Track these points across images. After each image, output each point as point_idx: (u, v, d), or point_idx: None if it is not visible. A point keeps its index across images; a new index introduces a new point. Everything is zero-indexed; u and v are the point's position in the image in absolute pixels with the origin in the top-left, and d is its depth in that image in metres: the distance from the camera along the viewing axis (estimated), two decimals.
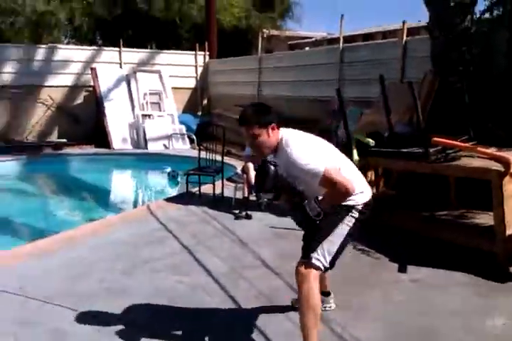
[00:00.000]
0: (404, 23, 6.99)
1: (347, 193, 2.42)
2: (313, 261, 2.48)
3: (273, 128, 2.47)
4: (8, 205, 7.05)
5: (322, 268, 2.51)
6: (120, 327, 2.89)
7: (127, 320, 3.00)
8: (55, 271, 3.78)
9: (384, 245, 4.30)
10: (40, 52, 11.11)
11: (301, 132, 2.61)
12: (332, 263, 2.56)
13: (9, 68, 10.69)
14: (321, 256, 2.49)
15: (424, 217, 4.58)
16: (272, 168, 2.44)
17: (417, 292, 3.45)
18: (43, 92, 11.06)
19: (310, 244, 2.55)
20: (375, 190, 4.94)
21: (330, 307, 3.09)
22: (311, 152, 2.43)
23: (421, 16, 14.42)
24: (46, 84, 11.09)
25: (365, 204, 2.58)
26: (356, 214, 2.55)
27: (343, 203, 2.51)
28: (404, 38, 6.91)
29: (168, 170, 8.30)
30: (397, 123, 4.97)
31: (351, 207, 2.54)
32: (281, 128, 2.54)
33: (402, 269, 3.83)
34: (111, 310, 3.09)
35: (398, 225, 4.55)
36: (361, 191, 2.56)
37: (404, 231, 4.47)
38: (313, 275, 2.48)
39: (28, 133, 11.02)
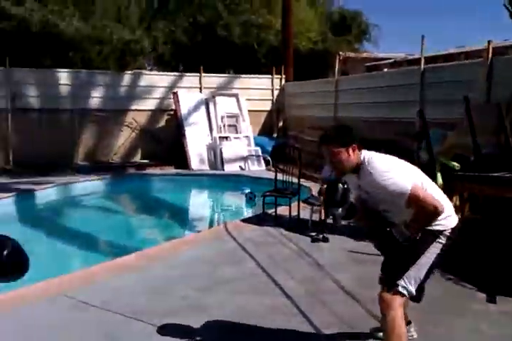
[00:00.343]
0: (489, 42, 6.74)
1: (436, 213, 2.36)
2: (400, 289, 2.42)
3: (353, 149, 2.48)
4: (93, 222, 7.45)
5: (408, 295, 2.44)
6: None
7: (208, 338, 3.04)
8: (137, 286, 3.92)
9: (471, 273, 4.07)
10: (126, 78, 11.82)
11: (382, 154, 2.58)
12: (418, 290, 2.47)
13: (97, 93, 11.44)
14: (408, 283, 2.42)
15: None
16: (340, 185, 2.48)
17: (508, 325, 3.22)
18: (128, 116, 11.70)
19: (395, 271, 2.48)
20: (460, 216, 4.72)
21: (412, 336, 2.96)
22: (395, 171, 2.40)
23: (507, 35, 13.83)
24: (131, 108, 11.73)
25: (453, 230, 2.49)
26: (444, 240, 2.46)
27: (431, 228, 2.44)
28: (490, 57, 6.65)
29: (246, 191, 8.41)
30: (484, 145, 4.76)
31: (439, 232, 2.45)
32: (362, 150, 2.53)
33: (491, 299, 3.60)
34: (192, 327, 3.15)
35: (487, 252, 4.29)
36: (449, 214, 2.48)
37: (493, 259, 4.22)
38: (399, 303, 2.42)
39: (113, 154, 11.65)
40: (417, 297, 2.55)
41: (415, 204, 2.35)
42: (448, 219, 2.46)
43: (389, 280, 2.48)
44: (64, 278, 4.09)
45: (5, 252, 1.50)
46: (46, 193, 8.42)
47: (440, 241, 2.45)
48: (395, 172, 2.39)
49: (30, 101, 10.82)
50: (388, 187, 2.35)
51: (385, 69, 14.85)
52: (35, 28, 12.41)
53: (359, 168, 2.48)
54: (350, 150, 2.47)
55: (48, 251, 6.08)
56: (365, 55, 16.74)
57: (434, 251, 2.45)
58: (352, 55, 15.65)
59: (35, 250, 5.94)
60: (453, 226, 2.49)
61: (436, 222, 2.42)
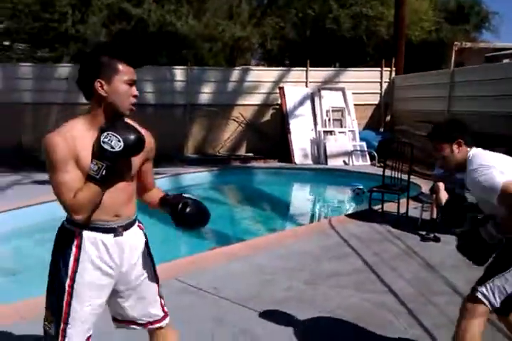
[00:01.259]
0: None
1: None
2: (479, 295, 2.24)
3: (459, 145, 2.33)
4: None
5: (489, 305, 2.23)
6: (305, 336, 2.94)
7: (310, 330, 3.04)
8: (244, 275, 4.02)
9: None
10: (234, 74, 12.13)
11: (490, 152, 2.36)
12: (506, 303, 2.24)
13: (207, 89, 11.88)
14: (490, 292, 2.22)
15: None
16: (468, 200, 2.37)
17: None
18: (235, 110, 12.01)
19: (481, 277, 2.30)
20: None
21: None
22: (494, 167, 2.18)
23: None
24: (238, 102, 12.03)
25: None
26: None
27: None
28: None
29: (359, 186, 8.16)
30: None
31: None
32: (473, 148, 2.36)
33: None
34: (295, 317, 3.16)
35: None
36: None
37: None
38: (478, 311, 2.23)
39: (220, 147, 12.05)
40: (504, 311, 2.33)
41: (505, 203, 2.11)
42: None
43: (473, 287, 2.32)
44: (176, 263, 4.32)
45: (187, 210, 1.93)
46: (159, 183, 8.91)
47: None
48: (493, 168, 2.16)
49: (146, 96, 11.53)
50: (480, 184, 2.16)
51: (506, 60, 13.74)
52: (152, 27, 13.20)
53: (465, 166, 2.31)
54: (455, 146, 2.33)
55: (159, 238, 6.45)
56: (483, 44, 15.61)
57: None
58: (468, 44, 14.67)
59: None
60: None
61: None
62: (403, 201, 5.97)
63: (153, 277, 2.05)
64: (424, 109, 10.53)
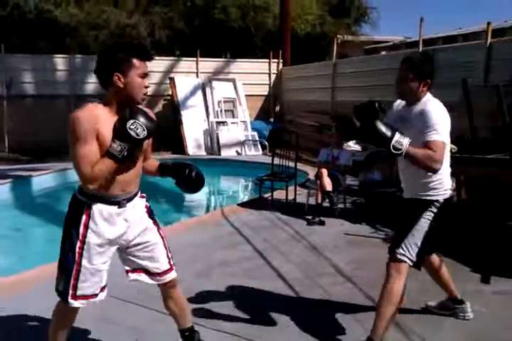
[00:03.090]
0: (489, 24, 6.66)
1: (433, 167, 2.41)
2: (399, 256, 2.55)
3: (426, 86, 2.59)
4: None
5: (409, 262, 2.55)
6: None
7: (205, 321, 3.05)
8: None
9: (467, 254, 4.08)
10: None
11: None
12: (419, 256, 2.58)
13: (93, 79, 11.22)
14: (406, 250, 2.55)
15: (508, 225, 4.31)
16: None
17: (501, 305, 3.24)
18: None
19: (394, 239, 2.65)
20: (456, 199, 4.73)
21: (467, 316, 3.01)
22: (445, 121, 2.52)
23: (507, 16, 13.68)
24: None
25: (445, 201, 2.61)
26: (435, 210, 2.58)
27: (424, 197, 2.58)
28: (489, 39, 6.58)
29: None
30: (481, 128, 4.74)
31: (430, 202, 2.58)
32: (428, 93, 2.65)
33: (484, 280, 3.62)
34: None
35: (482, 234, 4.30)
36: (442, 185, 2.59)
37: (488, 241, 4.23)
38: (401, 269, 2.54)
39: None
40: (419, 262, 2.63)
41: (427, 148, 2.41)
42: (440, 190, 2.59)
43: (389, 249, 2.63)
44: None
45: (193, 173, 2.31)
46: (45, 179, 8.40)
47: (432, 210, 2.57)
48: (444, 122, 2.47)
49: (25, 87, 10.74)
50: (423, 124, 2.44)
51: (383, 53, 14.72)
52: (30, 14, 12.30)
53: (415, 103, 2.58)
54: (422, 84, 2.55)
55: (44, 237, 6.10)
56: (363, 38, 16.57)
57: (427, 218, 2.57)
58: (350, 38, 15.50)
59: (32, 235, 5.93)
60: (445, 197, 2.61)
61: (429, 192, 2.58)
62: (292, 188, 6.20)
63: (157, 234, 2.38)
64: (310, 99, 10.98)
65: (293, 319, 3.07)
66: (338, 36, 12.36)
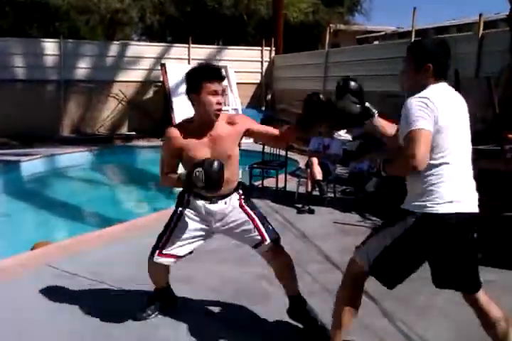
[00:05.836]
0: (480, 15, 6.67)
1: (410, 164, 1.98)
2: (354, 255, 2.35)
3: (427, 69, 2.16)
4: (80, 194, 7.42)
5: (358, 262, 2.29)
6: (184, 313, 2.97)
7: (191, 306, 3.08)
8: (123, 257, 3.93)
9: None
10: (113, 49, 11.58)
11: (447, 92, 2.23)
12: (385, 273, 2.28)
13: (83, 64, 11.22)
14: (360, 253, 2.30)
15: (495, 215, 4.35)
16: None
17: (487, 294, 3.29)
18: (115, 87, 11.52)
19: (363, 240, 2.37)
20: None
21: None
22: (427, 110, 2.08)
23: (500, 8, 13.70)
24: (118, 79, 11.55)
25: (438, 218, 2.10)
26: (415, 225, 2.09)
27: (404, 206, 2.17)
28: (481, 31, 6.60)
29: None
30: (472, 119, 4.77)
31: (409, 214, 2.11)
32: (441, 82, 2.20)
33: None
34: (177, 296, 3.18)
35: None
36: (435, 196, 2.08)
37: (481, 232, 4.27)
38: (356, 271, 2.33)
39: (100, 126, 11.53)
40: (384, 280, 2.29)
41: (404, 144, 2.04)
42: (433, 200, 2.06)
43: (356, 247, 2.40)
44: (48, 249, 4.10)
45: (214, 166, 2.38)
46: (31, 165, 8.34)
47: (408, 223, 2.09)
48: (426, 111, 2.02)
49: (15, 71, 10.59)
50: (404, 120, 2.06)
51: (376, 42, 14.71)
52: None
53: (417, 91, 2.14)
54: (422, 69, 2.14)
55: (33, 223, 6.08)
56: (355, 27, 16.53)
57: (396, 232, 2.13)
58: (343, 27, 15.45)
59: (21, 221, 5.92)
60: (436, 212, 2.05)
61: (415, 203, 2.10)
62: (282, 176, 6.21)
63: (247, 219, 2.74)
64: (302, 88, 10.93)
65: (279, 305, 3.11)
66: (331, 25, 12.31)
